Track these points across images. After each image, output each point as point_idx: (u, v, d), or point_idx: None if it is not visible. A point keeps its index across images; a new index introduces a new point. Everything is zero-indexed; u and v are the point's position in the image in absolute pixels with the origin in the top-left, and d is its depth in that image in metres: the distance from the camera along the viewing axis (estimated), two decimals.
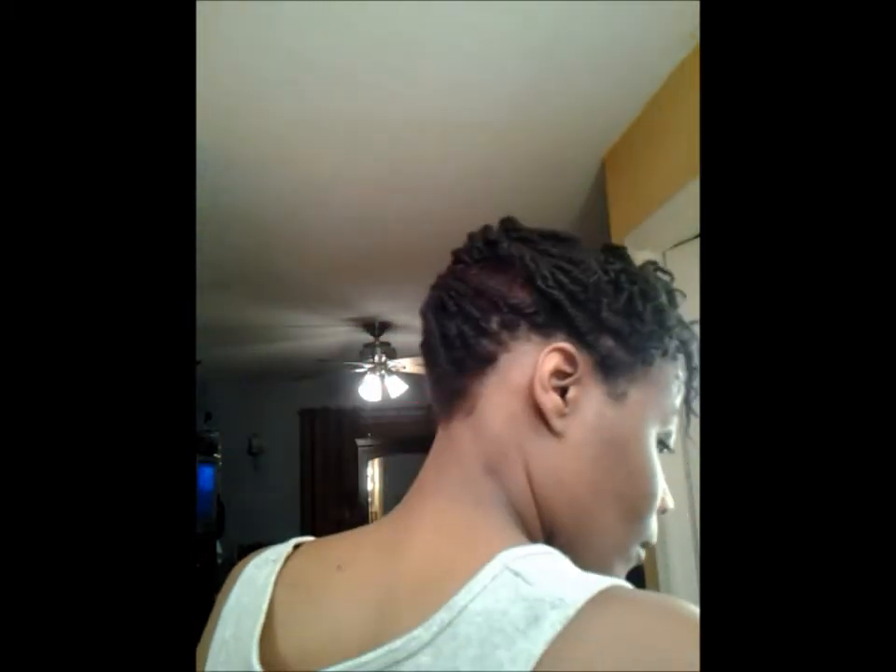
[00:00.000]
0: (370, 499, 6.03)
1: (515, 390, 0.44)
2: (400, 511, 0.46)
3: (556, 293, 0.44)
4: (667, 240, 1.48)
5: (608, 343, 0.44)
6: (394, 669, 0.35)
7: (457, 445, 0.45)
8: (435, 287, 0.49)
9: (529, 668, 0.31)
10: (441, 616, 0.35)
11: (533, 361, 0.43)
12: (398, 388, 3.95)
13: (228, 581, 0.49)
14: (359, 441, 5.62)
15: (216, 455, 4.73)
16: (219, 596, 0.48)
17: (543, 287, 0.44)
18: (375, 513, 6.28)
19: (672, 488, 0.49)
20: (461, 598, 0.35)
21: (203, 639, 0.46)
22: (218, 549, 4.60)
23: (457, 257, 0.49)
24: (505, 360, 0.44)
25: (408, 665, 0.35)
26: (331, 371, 4.49)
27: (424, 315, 0.49)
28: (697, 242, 1.45)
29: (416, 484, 0.47)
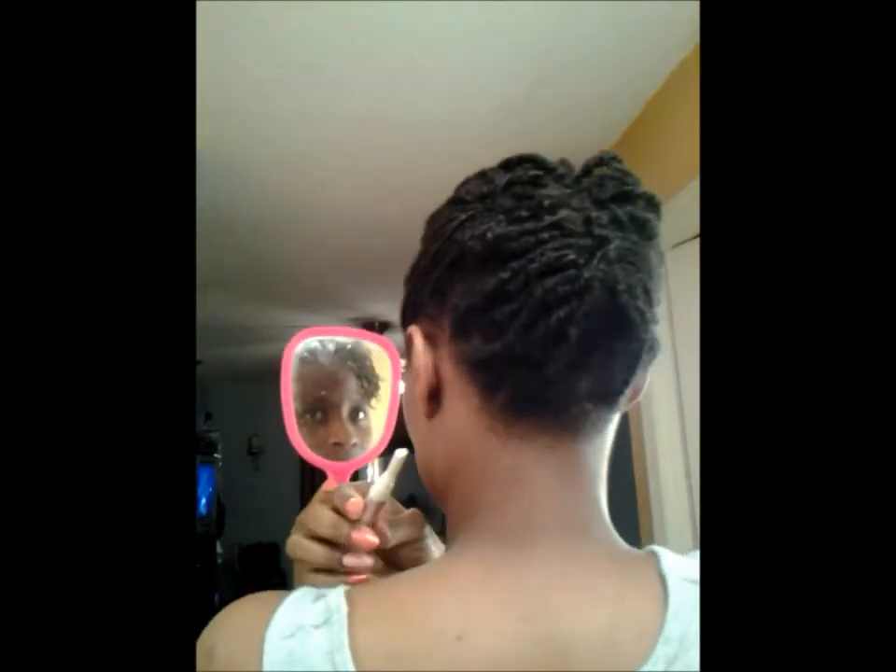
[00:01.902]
0: None
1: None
2: (503, 553, 0.36)
3: None
4: (667, 240, 1.48)
5: None
6: None
7: (587, 467, 0.39)
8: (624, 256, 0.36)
9: None
10: (664, 650, 0.32)
11: None
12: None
13: (229, 664, 0.34)
14: None
15: (216, 455, 4.73)
16: None
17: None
18: None
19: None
20: (673, 626, 0.33)
21: None
22: (218, 549, 4.60)
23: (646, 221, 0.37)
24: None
25: None
26: None
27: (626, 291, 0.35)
28: (697, 242, 1.45)
29: (518, 519, 0.37)
